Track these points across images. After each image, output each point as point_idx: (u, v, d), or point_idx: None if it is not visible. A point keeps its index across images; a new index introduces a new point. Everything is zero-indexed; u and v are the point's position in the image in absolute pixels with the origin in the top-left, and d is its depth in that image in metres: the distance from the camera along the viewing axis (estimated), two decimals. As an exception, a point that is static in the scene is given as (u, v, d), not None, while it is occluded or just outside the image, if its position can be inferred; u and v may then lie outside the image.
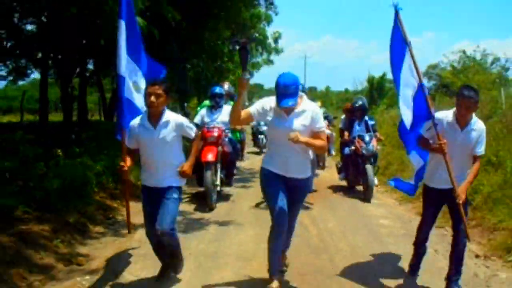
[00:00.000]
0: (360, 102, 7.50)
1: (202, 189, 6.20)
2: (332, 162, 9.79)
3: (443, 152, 3.31)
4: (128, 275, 3.65)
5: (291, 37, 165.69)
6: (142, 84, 3.80)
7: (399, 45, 3.49)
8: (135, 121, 3.37)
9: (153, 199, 3.33)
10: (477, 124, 3.43)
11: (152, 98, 3.20)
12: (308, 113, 3.24)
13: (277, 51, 17.55)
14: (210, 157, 5.93)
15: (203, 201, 6.07)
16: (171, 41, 8.40)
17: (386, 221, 5.70)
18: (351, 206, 6.58)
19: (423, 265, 3.91)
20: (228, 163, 6.62)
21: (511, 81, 17.95)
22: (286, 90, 3.07)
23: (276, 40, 17.23)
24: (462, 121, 3.40)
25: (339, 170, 7.93)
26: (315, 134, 3.26)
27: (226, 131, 6.45)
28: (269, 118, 3.27)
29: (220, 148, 6.26)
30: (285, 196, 3.27)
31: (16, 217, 4.29)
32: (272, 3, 12.73)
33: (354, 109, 7.51)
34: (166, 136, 3.28)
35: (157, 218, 3.25)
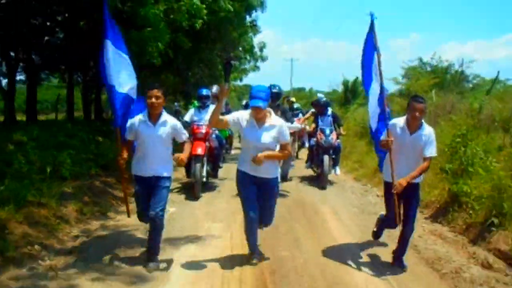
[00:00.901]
0: (322, 100, 8.43)
1: (189, 179, 6.97)
2: (306, 152, 10.25)
3: (388, 147, 3.79)
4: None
5: (279, 39, 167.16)
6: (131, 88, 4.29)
7: (371, 49, 3.97)
8: (137, 118, 3.88)
9: (146, 186, 3.87)
10: (426, 129, 3.77)
11: (153, 100, 3.73)
12: (276, 128, 3.80)
13: (263, 59, 20.25)
14: (199, 151, 6.53)
15: (191, 191, 6.76)
16: (178, 56, 10.97)
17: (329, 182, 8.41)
18: (309, 181, 8.41)
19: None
20: (215, 157, 7.26)
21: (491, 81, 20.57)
22: (256, 95, 3.72)
23: (261, 49, 19.86)
24: (412, 125, 3.75)
25: (307, 160, 8.75)
26: (283, 145, 3.93)
27: (213, 128, 6.80)
28: (243, 128, 3.81)
29: (207, 143, 6.87)
30: (255, 195, 3.89)
31: (91, 174, 6.93)
32: (255, 25, 15.38)
33: (314, 104, 8.82)
34: (162, 133, 3.83)
35: (150, 203, 3.80)
